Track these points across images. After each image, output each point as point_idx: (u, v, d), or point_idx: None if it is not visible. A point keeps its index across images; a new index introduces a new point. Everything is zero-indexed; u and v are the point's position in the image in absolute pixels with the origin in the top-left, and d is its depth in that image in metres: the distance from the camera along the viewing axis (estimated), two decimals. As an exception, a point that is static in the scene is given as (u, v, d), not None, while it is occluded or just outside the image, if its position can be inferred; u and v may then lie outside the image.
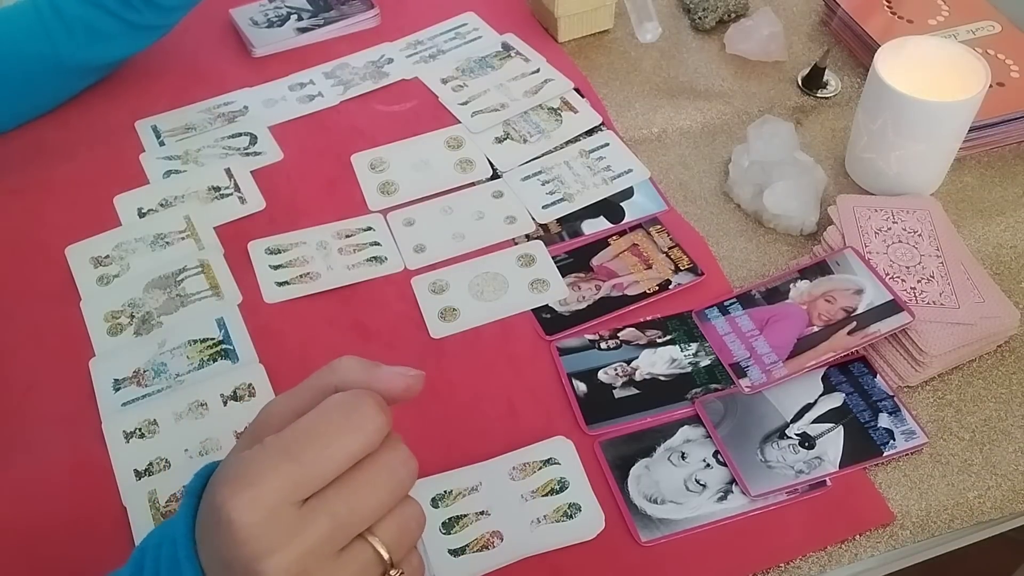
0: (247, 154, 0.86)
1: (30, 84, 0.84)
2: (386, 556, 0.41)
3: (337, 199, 0.82)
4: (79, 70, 0.87)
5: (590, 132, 0.87)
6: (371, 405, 0.41)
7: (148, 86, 0.92)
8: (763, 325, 0.70)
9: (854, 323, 0.68)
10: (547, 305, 0.74)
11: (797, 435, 0.65)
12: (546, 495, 0.62)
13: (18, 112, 0.87)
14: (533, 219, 0.80)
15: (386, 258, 0.77)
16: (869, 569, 0.61)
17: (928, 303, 0.68)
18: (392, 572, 0.41)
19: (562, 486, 0.63)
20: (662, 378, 0.69)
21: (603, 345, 0.71)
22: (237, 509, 0.38)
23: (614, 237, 0.78)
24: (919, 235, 0.73)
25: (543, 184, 0.83)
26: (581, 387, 0.68)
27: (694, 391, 0.68)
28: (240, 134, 0.87)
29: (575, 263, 0.77)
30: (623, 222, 0.80)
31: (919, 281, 0.69)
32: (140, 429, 0.66)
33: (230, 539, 0.38)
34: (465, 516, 0.61)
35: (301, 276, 0.76)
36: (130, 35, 0.85)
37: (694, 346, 0.70)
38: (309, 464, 0.39)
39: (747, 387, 0.67)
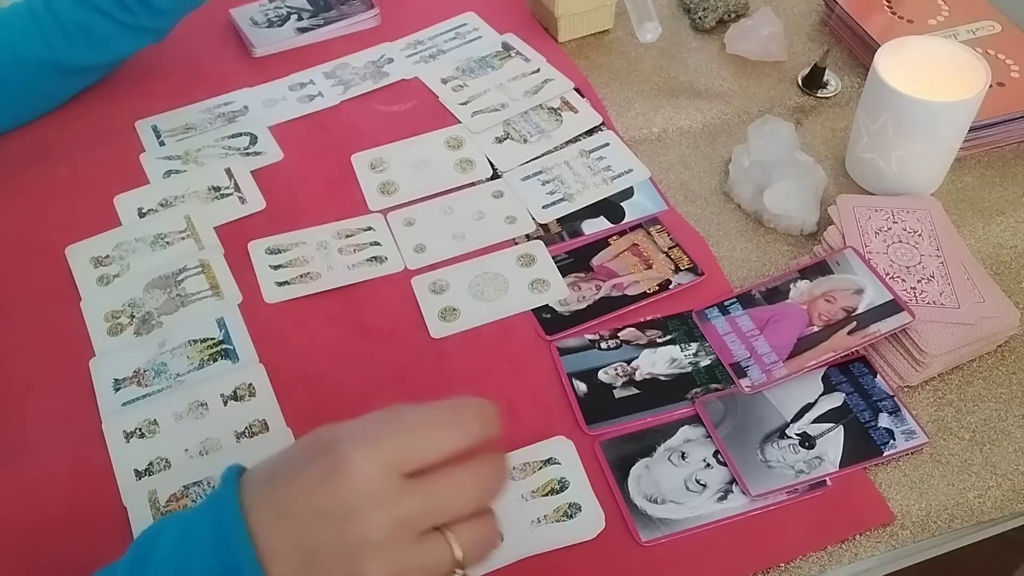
0: (247, 154, 0.86)
1: (27, 86, 0.84)
2: (459, 555, 0.43)
3: (337, 199, 0.82)
4: (76, 72, 0.87)
5: (590, 132, 0.87)
6: (478, 413, 0.45)
7: (148, 86, 0.92)
8: (763, 325, 0.70)
9: (854, 323, 0.68)
10: (547, 305, 0.74)
11: (797, 435, 0.65)
12: (546, 495, 0.62)
13: (16, 115, 0.86)
14: (533, 219, 0.80)
15: (386, 258, 0.77)
16: (869, 569, 0.61)
17: (928, 303, 0.68)
18: (458, 572, 0.44)
19: (562, 486, 0.63)
20: (662, 378, 0.69)
21: (603, 345, 0.71)
22: (357, 459, 0.41)
23: (614, 237, 0.78)
24: (919, 235, 0.73)
25: (543, 184, 0.83)
26: (581, 387, 0.68)
27: (694, 391, 0.68)
28: (240, 134, 0.87)
29: (575, 263, 0.77)
30: (623, 222, 0.80)
31: (919, 281, 0.69)
32: (140, 429, 0.66)
33: (342, 483, 0.41)
34: (465, 516, 0.61)
35: (301, 276, 0.76)
36: (125, 37, 0.85)
37: (694, 346, 0.70)
38: (422, 442, 0.43)
39: (747, 387, 0.67)
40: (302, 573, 0.42)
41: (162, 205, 0.81)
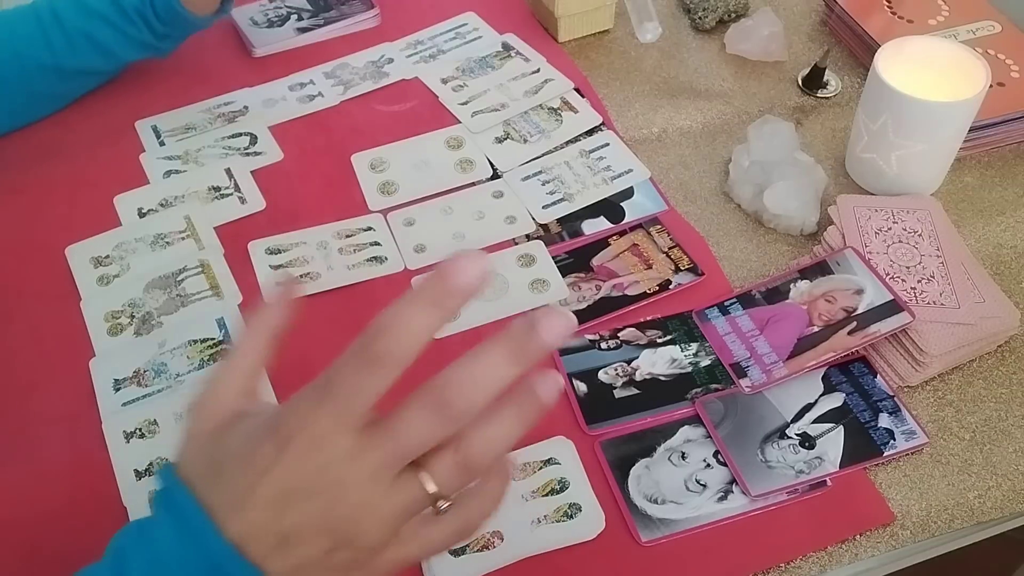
0: (247, 154, 0.86)
1: (29, 88, 0.84)
2: (432, 489, 0.41)
3: (337, 199, 0.82)
4: (78, 76, 0.87)
5: (590, 132, 0.87)
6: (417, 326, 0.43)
7: (148, 86, 0.92)
8: (763, 325, 0.70)
9: (854, 323, 0.68)
10: (547, 305, 0.74)
11: (797, 435, 0.65)
12: (546, 495, 0.62)
13: (17, 116, 0.86)
14: (533, 219, 0.80)
15: (386, 258, 0.77)
16: (869, 569, 0.61)
17: (928, 303, 0.68)
18: (441, 503, 0.41)
19: (562, 486, 0.63)
20: (662, 378, 0.69)
21: (603, 345, 0.71)
22: (306, 426, 0.39)
23: (614, 237, 0.78)
24: (919, 235, 0.73)
25: (543, 184, 0.83)
26: (581, 387, 0.68)
27: (694, 391, 0.68)
28: (240, 134, 0.87)
29: (575, 263, 0.77)
30: (623, 222, 0.80)
31: (919, 281, 0.69)
32: (140, 429, 0.66)
33: (299, 456, 0.39)
34: (465, 516, 0.61)
35: (301, 276, 0.76)
36: (129, 48, 0.85)
37: (694, 346, 0.70)
38: (364, 390, 0.41)
39: (747, 387, 0.67)
40: (284, 552, 0.40)
41: (162, 205, 0.81)
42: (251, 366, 0.45)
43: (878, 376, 0.68)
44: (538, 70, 0.93)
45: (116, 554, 0.42)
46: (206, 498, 0.40)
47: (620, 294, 0.74)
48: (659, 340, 0.71)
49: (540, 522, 0.61)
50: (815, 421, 0.66)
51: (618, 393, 0.68)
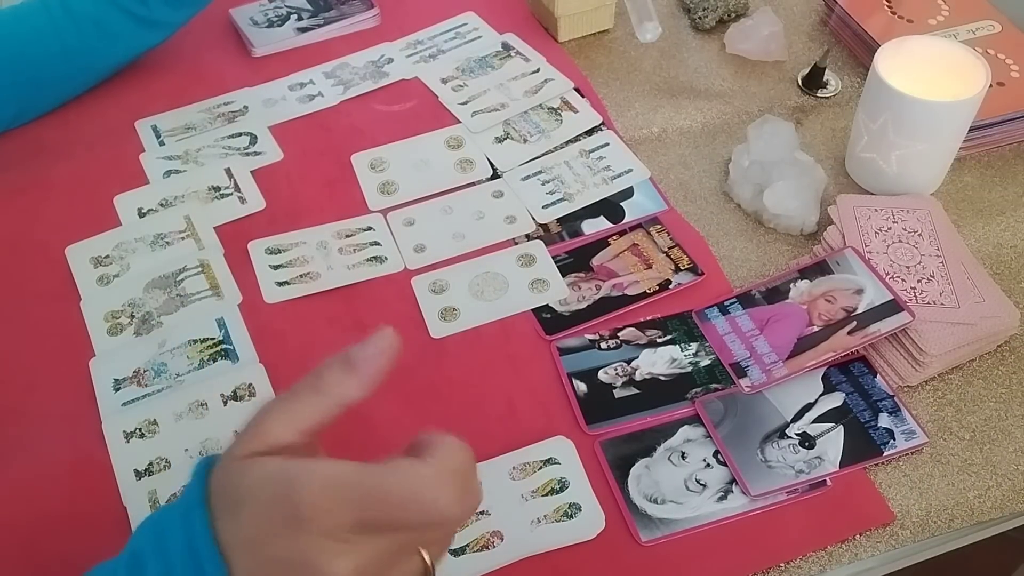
0: (247, 154, 0.86)
1: (36, 82, 0.84)
2: (429, 562, 0.42)
3: (337, 199, 0.82)
4: (85, 69, 0.87)
5: (590, 132, 0.87)
6: (475, 486, 0.42)
7: (148, 86, 0.92)
8: (763, 325, 0.70)
9: (854, 323, 0.68)
10: (547, 305, 0.74)
11: (797, 435, 0.65)
12: (546, 495, 0.62)
13: (22, 110, 0.87)
14: (533, 219, 0.80)
15: (386, 258, 0.77)
16: (869, 569, 0.61)
17: (928, 303, 0.68)
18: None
19: (562, 486, 0.63)
20: (662, 378, 0.69)
21: (603, 345, 0.71)
22: (318, 511, 0.39)
23: (614, 237, 0.78)
24: (919, 235, 0.73)
25: (543, 184, 0.83)
26: (581, 387, 0.68)
27: (694, 391, 0.68)
28: (240, 134, 0.87)
29: (575, 263, 0.77)
30: (623, 222, 0.80)
31: (919, 281, 0.69)
32: (140, 429, 0.66)
33: (303, 537, 0.39)
34: (465, 516, 0.61)
35: (301, 276, 0.76)
36: (138, 32, 0.85)
37: (694, 346, 0.70)
38: (382, 508, 0.39)
39: (747, 387, 0.67)
40: None
41: (162, 205, 0.81)
42: (311, 415, 0.43)
43: (878, 376, 0.68)
44: (538, 70, 0.93)
45: (133, 557, 0.43)
46: (220, 526, 0.41)
47: (620, 294, 0.74)
48: (659, 340, 0.71)
49: (540, 522, 0.61)
50: (815, 421, 0.66)
51: (618, 393, 0.68)
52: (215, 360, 0.70)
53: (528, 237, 0.79)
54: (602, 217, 0.80)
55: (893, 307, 0.68)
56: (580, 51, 0.96)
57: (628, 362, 0.70)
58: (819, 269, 0.72)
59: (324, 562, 0.39)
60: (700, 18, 0.98)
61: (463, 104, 0.90)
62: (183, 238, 0.79)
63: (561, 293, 0.74)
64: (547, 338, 0.71)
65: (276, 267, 0.76)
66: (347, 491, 0.39)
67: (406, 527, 0.40)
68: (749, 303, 0.72)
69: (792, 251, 0.78)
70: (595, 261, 0.77)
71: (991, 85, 0.75)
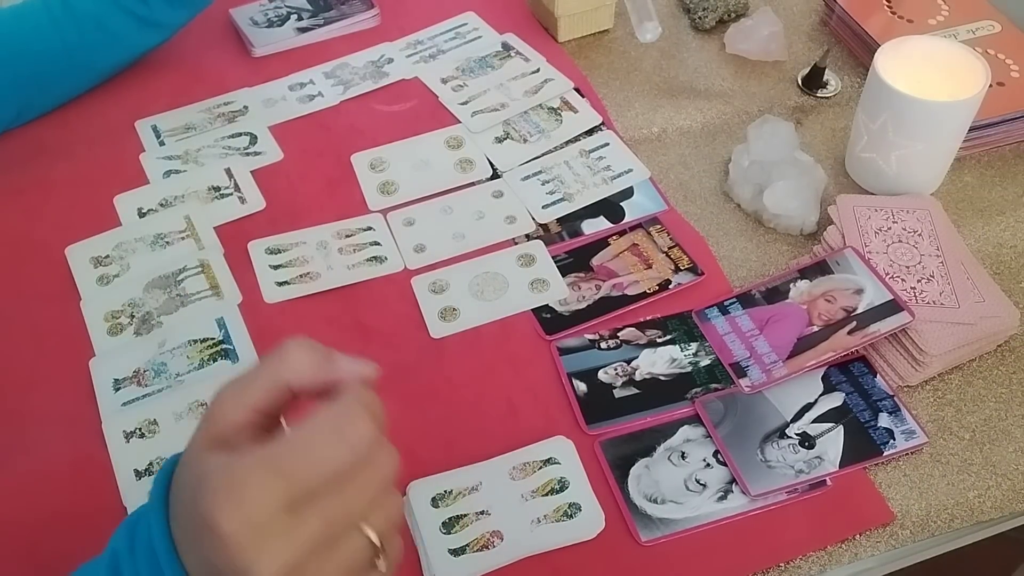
0: (247, 154, 0.86)
1: (37, 81, 0.84)
2: (376, 542, 0.41)
3: (337, 199, 0.82)
4: (86, 69, 0.87)
5: (590, 132, 0.87)
6: (364, 420, 0.41)
7: (148, 86, 0.92)
8: (763, 325, 0.70)
9: (854, 323, 0.68)
10: (547, 305, 0.74)
11: (797, 435, 0.65)
12: (546, 495, 0.62)
13: (23, 110, 0.87)
14: (533, 219, 0.80)
15: (386, 258, 0.77)
16: (869, 569, 0.61)
17: (928, 303, 0.68)
18: (380, 558, 0.42)
19: (562, 486, 0.63)
20: (662, 378, 0.69)
21: (603, 345, 0.71)
22: (227, 521, 0.37)
23: (614, 237, 0.78)
24: (919, 235, 0.73)
25: (543, 184, 0.83)
26: (581, 387, 0.68)
27: (694, 391, 0.68)
28: (240, 134, 0.87)
29: (575, 263, 0.77)
30: (623, 222, 0.80)
31: (919, 281, 0.69)
32: (140, 429, 0.66)
33: (220, 548, 0.38)
34: (465, 516, 0.61)
35: (301, 276, 0.76)
36: (139, 32, 0.86)
37: (694, 346, 0.70)
38: (300, 480, 0.39)
39: (747, 387, 0.67)
40: None
41: (162, 205, 0.81)
42: (258, 392, 0.43)
43: (878, 376, 0.68)
44: (538, 70, 0.93)
45: (113, 556, 0.44)
46: (172, 526, 0.41)
47: (620, 294, 0.74)
48: (659, 340, 0.71)
49: (540, 522, 0.61)
50: (815, 421, 0.66)
51: (618, 393, 0.68)
52: (215, 360, 0.70)
53: (528, 237, 0.79)
54: (602, 217, 0.80)
55: (893, 307, 0.68)
56: (580, 51, 0.96)
57: (628, 362, 0.70)
58: (819, 269, 0.72)
59: (248, 562, 0.37)
60: (700, 18, 0.98)
61: (463, 104, 0.90)
62: (183, 238, 0.79)
63: (561, 293, 0.74)
64: (547, 338, 0.71)
65: (276, 267, 0.76)
66: (273, 462, 0.39)
67: (323, 490, 0.39)
68: (749, 303, 0.72)
69: (792, 251, 0.78)
70: (595, 261, 0.77)
71: (991, 85, 0.75)
